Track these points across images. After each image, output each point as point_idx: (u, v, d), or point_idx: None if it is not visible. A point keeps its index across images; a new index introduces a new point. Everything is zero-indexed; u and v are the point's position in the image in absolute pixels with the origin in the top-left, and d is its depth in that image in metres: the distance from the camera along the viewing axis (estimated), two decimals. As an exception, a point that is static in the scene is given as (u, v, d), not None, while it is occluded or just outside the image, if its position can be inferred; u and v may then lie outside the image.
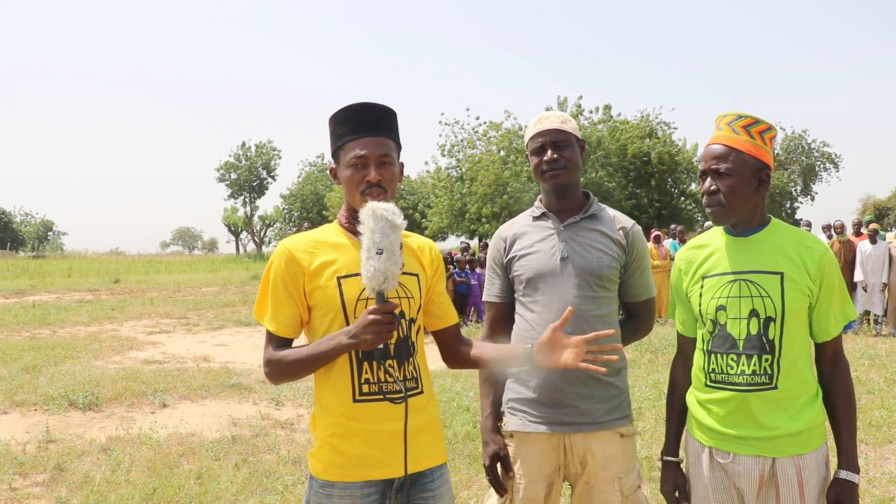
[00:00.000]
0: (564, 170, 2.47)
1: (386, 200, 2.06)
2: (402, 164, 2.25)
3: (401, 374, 2.10)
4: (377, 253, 1.93)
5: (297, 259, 2.10)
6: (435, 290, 2.28)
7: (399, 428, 2.06)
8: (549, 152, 2.46)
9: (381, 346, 1.99)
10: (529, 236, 2.54)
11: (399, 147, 2.23)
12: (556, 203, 2.54)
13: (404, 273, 2.06)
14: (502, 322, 2.60)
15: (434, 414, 2.22)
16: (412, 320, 2.16)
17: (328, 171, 2.22)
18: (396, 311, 1.99)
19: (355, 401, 2.06)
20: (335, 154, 2.19)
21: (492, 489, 2.52)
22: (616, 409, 2.46)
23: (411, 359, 2.14)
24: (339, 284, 2.08)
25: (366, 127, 2.12)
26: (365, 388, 2.06)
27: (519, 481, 2.44)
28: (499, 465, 2.48)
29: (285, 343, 2.13)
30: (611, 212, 2.58)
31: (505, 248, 2.58)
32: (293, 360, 2.07)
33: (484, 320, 2.68)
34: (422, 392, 2.15)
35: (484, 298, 2.67)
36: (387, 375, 2.08)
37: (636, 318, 2.63)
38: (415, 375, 2.14)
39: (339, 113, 2.16)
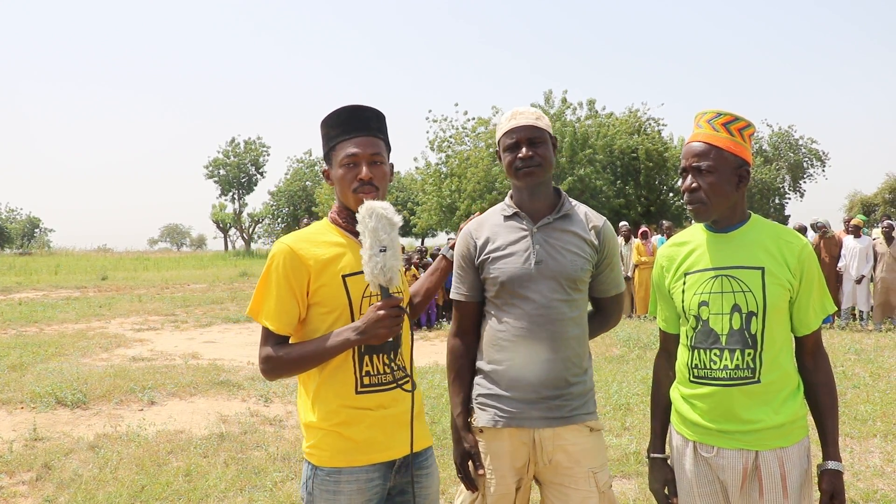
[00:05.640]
0: (539, 167, 2.43)
1: (378, 199, 2.15)
2: (391, 165, 2.33)
3: (397, 364, 2.21)
4: (381, 250, 1.99)
5: (301, 257, 2.13)
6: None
7: (403, 411, 2.18)
8: (524, 149, 2.42)
9: (391, 339, 2.10)
10: (502, 237, 2.49)
11: (389, 148, 2.32)
12: (529, 202, 2.50)
13: None
14: (471, 320, 2.57)
15: (421, 399, 2.35)
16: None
17: (321, 173, 2.26)
18: (403, 305, 2.09)
19: (357, 393, 2.15)
20: (328, 156, 2.25)
21: (462, 486, 2.52)
22: (584, 405, 2.46)
23: (400, 350, 2.25)
24: (345, 283, 2.15)
25: (356, 127, 2.21)
26: (366, 381, 2.16)
27: (490, 477, 2.43)
28: (470, 462, 2.47)
29: (283, 340, 2.17)
30: (582, 209, 2.55)
31: (476, 248, 2.53)
32: (297, 357, 2.12)
33: (453, 318, 2.63)
34: (410, 378, 2.26)
35: (452, 296, 2.61)
36: (386, 367, 2.18)
37: (604, 311, 2.63)
38: (404, 364, 2.24)
39: (330, 115, 2.23)
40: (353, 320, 2.15)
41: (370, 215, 2.00)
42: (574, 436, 2.42)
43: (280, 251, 2.14)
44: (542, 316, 2.39)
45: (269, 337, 2.16)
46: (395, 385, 2.19)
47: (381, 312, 2.02)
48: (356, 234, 2.16)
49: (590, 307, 2.62)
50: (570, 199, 2.56)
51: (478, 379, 2.52)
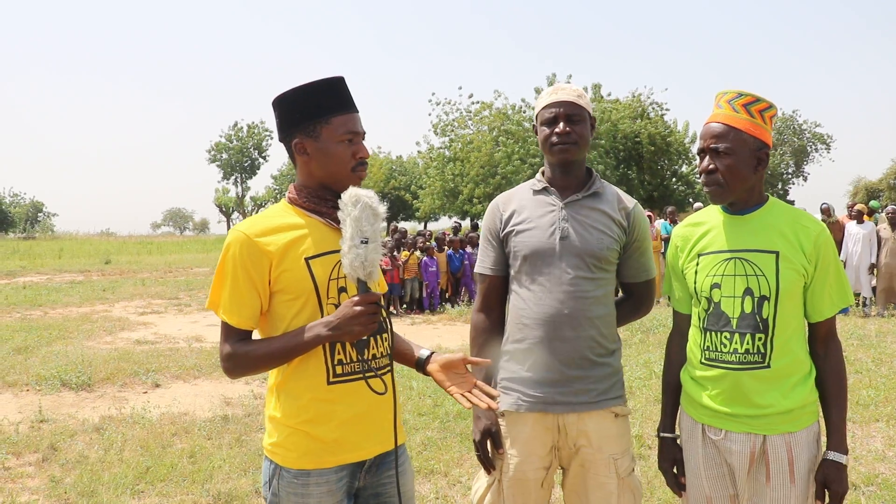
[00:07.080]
0: (574, 145, 2.39)
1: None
2: None
3: (378, 352, 2.06)
4: (362, 241, 1.87)
5: (258, 244, 1.95)
6: None
7: (373, 407, 2.04)
8: (562, 125, 2.38)
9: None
10: (528, 210, 2.46)
11: None
12: (560, 178, 2.47)
13: None
14: (495, 295, 2.55)
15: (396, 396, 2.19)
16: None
17: (294, 145, 2.04)
18: (381, 301, 1.95)
19: (329, 383, 1.99)
20: (312, 128, 2.02)
21: (481, 471, 2.47)
22: (611, 389, 2.42)
23: (385, 335, 2.10)
24: (309, 266, 1.98)
25: (349, 103, 2.07)
26: (339, 370, 2.00)
27: (510, 460, 2.39)
28: (489, 441, 2.42)
29: (245, 335, 2.00)
30: (613, 190, 2.51)
31: (502, 220, 2.50)
32: (263, 355, 1.95)
33: (476, 292, 2.60)
34: (391, 369, 2.12)
35: (477, 270, 2.58)
36: (360, 355, 2.01)
37: (634, 297, 2.59)
38: (388, 353, 2.10)
39: (318, 84, 2.03)
40: (319, 305, 1.98)
41: (354, 203, 1.87)
42: (597, 422, 2.38)
43: (236, 239, 1.95)
44: (565, 293, 2.35)
45: (229, 332, 1.98)
46: (362, 376, 2.03)
47: (358, 308, 1.87)
48: (319, 214, 2.05)
49: (620, 294, 2.59)
50: (602, 180, 2.52)
51: (502, 362, 2.48)
